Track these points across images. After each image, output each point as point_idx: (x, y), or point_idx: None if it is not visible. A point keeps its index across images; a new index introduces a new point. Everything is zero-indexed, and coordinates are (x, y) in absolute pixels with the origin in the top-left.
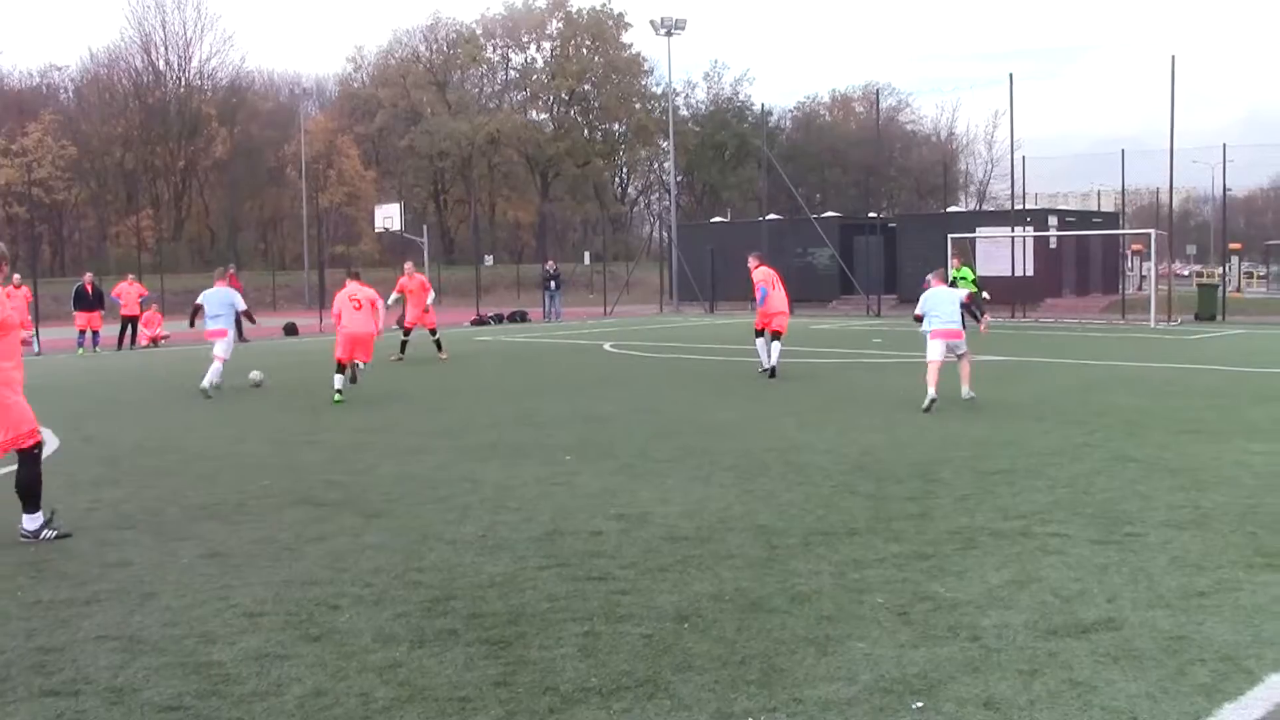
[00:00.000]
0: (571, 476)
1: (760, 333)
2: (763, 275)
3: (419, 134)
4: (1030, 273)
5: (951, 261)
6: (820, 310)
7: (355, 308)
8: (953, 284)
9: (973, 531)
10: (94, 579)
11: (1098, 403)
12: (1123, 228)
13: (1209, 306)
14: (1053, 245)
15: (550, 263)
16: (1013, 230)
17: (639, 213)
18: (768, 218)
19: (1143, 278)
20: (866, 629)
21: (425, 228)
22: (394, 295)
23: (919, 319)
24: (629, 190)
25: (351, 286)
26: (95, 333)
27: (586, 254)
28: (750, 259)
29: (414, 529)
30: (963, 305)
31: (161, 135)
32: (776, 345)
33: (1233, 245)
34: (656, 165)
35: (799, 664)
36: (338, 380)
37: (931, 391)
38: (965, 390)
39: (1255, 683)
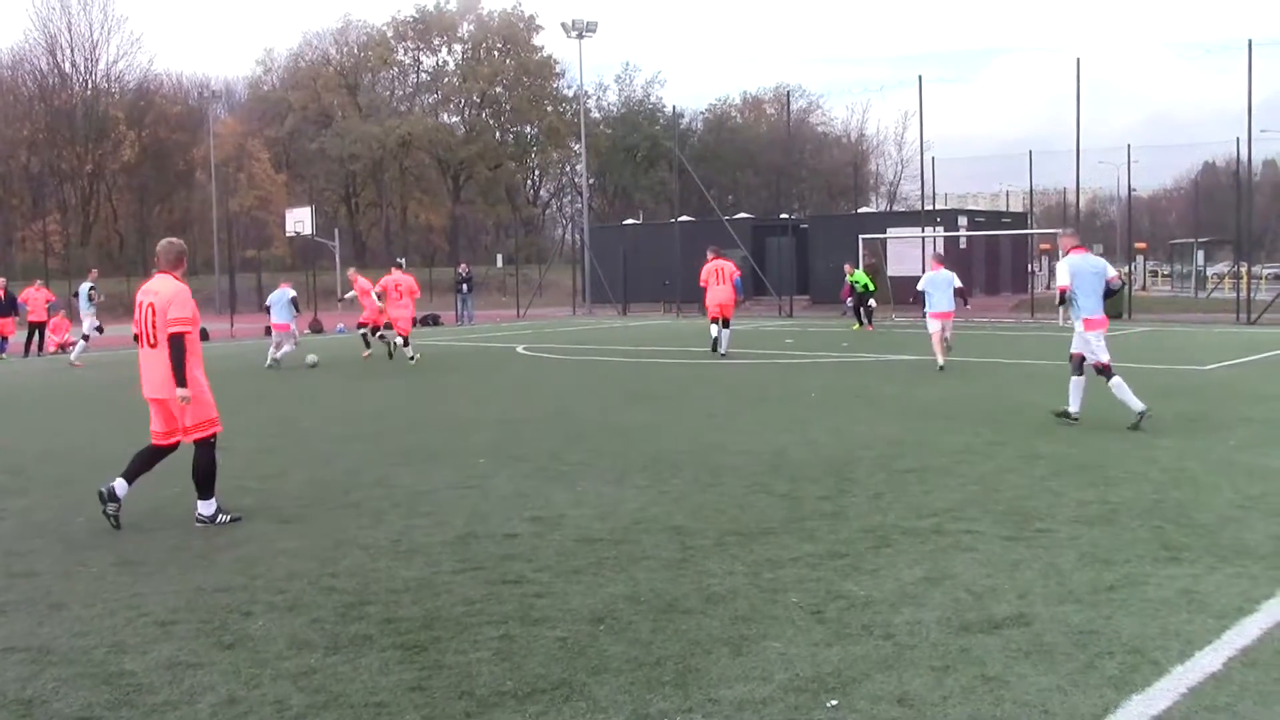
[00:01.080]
0: (485, 480)
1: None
2: (705, 271)
3: (330, 137)
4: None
5: (846, 267)
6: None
7: (397, 297)
8: (853, 288)
9: (886, 530)
10: (0, 590)
11: (1008, 401)
12: (1031, 228)
13: (1116, 305)
14: (963, 245)
15: (463, 266)
16: (923, 230)
17: (551, 215)
18: (680, 219)
19: (1051, 277)
20: (781, 629)
21: (337, 231)
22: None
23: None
24: (541, 193)
25: (396, 275)
26: (4, 339)
27: (499, 257)
28: (708, 252)
29: (327, 534)
30: (856, 306)
31: (68, 139)
32: (727, 332)
33: (1138, 244)
34: (569, 168)
35: (714, 664)
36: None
37: (941, 359)
38: (941, 361)
39: (1162, 674)
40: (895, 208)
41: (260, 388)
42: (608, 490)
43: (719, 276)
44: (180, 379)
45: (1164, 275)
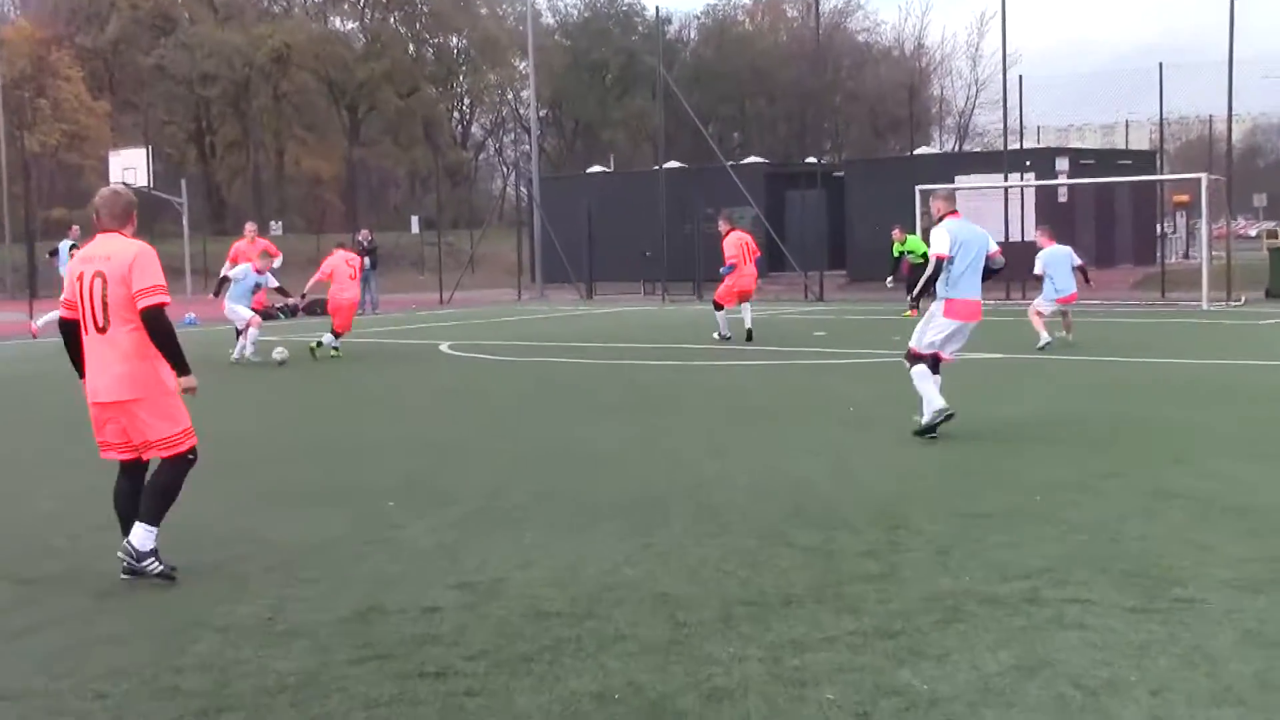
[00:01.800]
0: (395, 531)
1: (720, 306)
2: (734, 244)
3: (173, 49)
4: (1031, 236)
5: (895, 232)
6: None
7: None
8: (898, 259)
9: (957, 598)
10: None
11: (1129, 416)
12: (1161, 172)
13: None
14: (1062, 198)
15: (364, 233)
16: (1006, 179)
17: (488, 161)
18: (666, 166)
19: (1190, 241)
20: None
21: (184, 183)
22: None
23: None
24: (474, 130)
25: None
26: None
27: (415, 220)
28: (720, 222)
29: (169, 611)
30: (912, 285)
31: None
32: (747, 306)
33: None
34: (511, 95)
35: None
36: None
37: (1045, 335)
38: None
39: None
40: (967, 147)
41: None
42: (567, 543)
43: (748, 254)
44: (181, 364)
45: None
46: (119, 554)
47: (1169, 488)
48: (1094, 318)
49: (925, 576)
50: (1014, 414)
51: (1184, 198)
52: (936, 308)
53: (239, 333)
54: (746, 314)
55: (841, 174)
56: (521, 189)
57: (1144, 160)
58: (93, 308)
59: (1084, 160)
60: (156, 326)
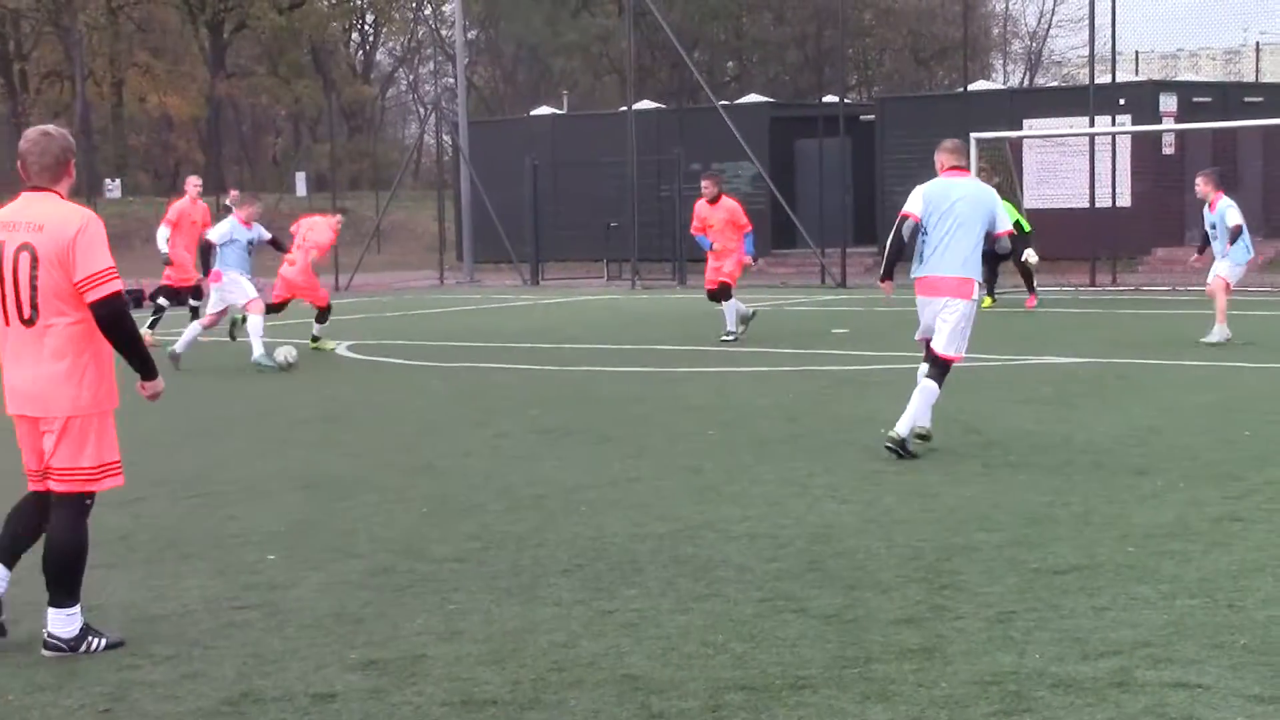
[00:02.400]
0: (277, 592)
1: (729, 293)
2: (726, 213)
3: None
4: (1126, 202)
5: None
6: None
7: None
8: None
9: (1022, 680)
10: None
11: (1254, 439)
12: None
13: None
14: (1168, 148)
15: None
16: (1092, 123)
17: (399, 99)
18: (637, 106)
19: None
20: None
21: None
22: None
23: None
24: (379, 58)
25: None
26: None
27: (300, 177)
28: (704, 180)
29: None
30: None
31: None
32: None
33: None
34: (430, 9)
35: None
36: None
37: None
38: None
39: None
40: (1039, 81)
41: None
42: (506, 609)
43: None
44: (147, 367)
45: None
46: (43, 650)
47: None
48: (1205, 308)
49: (980, 652)
50: (1094, 437)
51: None
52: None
53: (195, 313)
54: (725, 308)
55: (872, 117)
56: (445, 137)
57: (1276, 97)
58: (16, 291)
59: (1198, 98)
60: (113, 319)
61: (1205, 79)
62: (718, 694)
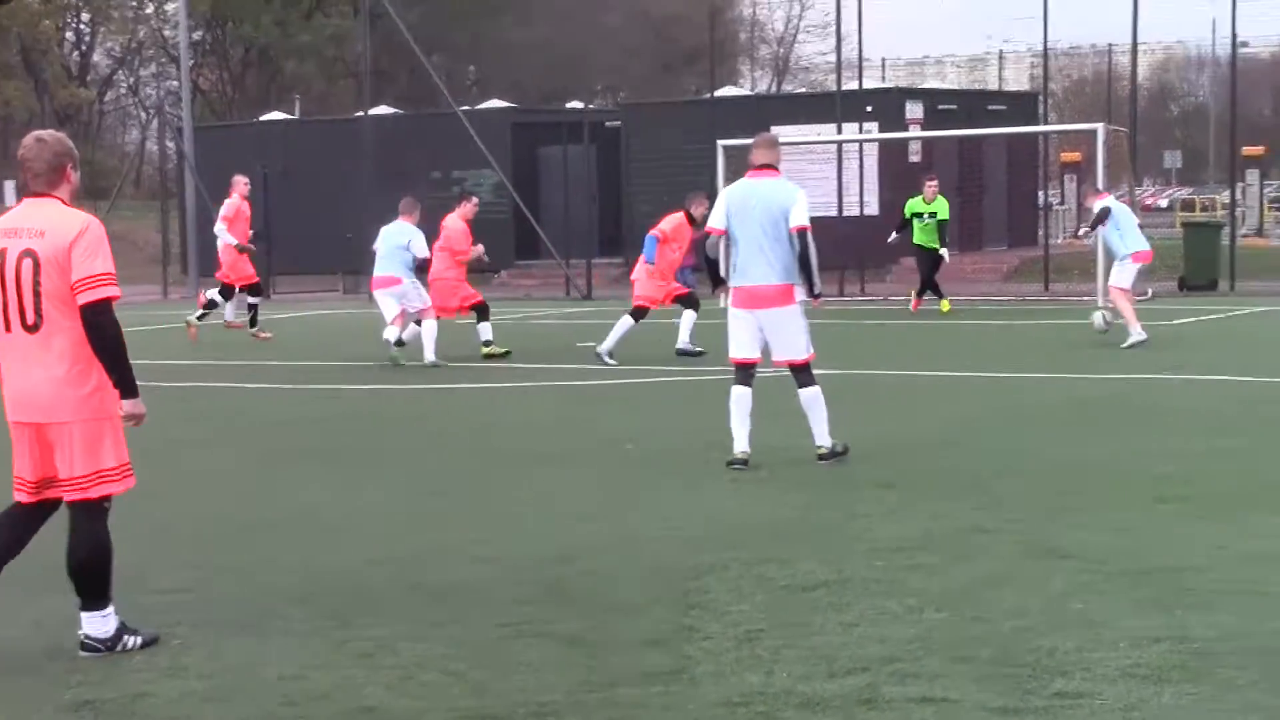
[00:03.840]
0: None
1: (640, 314)
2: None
3: None
4: (874, 210)
5: (929, 187)
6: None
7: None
8: (905, 224)
9: (770, 700)
10: None
11: (998, 452)
12: (1045, 121)
13: (1204, 265)
14: (915, 157)
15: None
16: (840, 130)
17: (120, 102)
18: (374, 112)
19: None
20: None
21: None
22: None
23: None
24: (96, 59)
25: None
26: None
27: (9, 186)
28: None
29: None
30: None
31: None
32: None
33: (1248, 150)
34: (152, 8)
35: None
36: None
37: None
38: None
39: None
40: (787, 87)
41: None
42: (233, 642)
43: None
44: (127, 383)
45: None
46: (80, 652)
47: (1050, 545)
48: (956, 319)
49: (728, 672)
50: (848, 450)
51: (1074, 156)
52: (726, 301)
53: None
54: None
55: (618, 124)
56: (168, 143)
57: (1023, 105)
58: (19, 297)
59: (943, 105)
60: (100, 327)
61: (950, 86)
62: None
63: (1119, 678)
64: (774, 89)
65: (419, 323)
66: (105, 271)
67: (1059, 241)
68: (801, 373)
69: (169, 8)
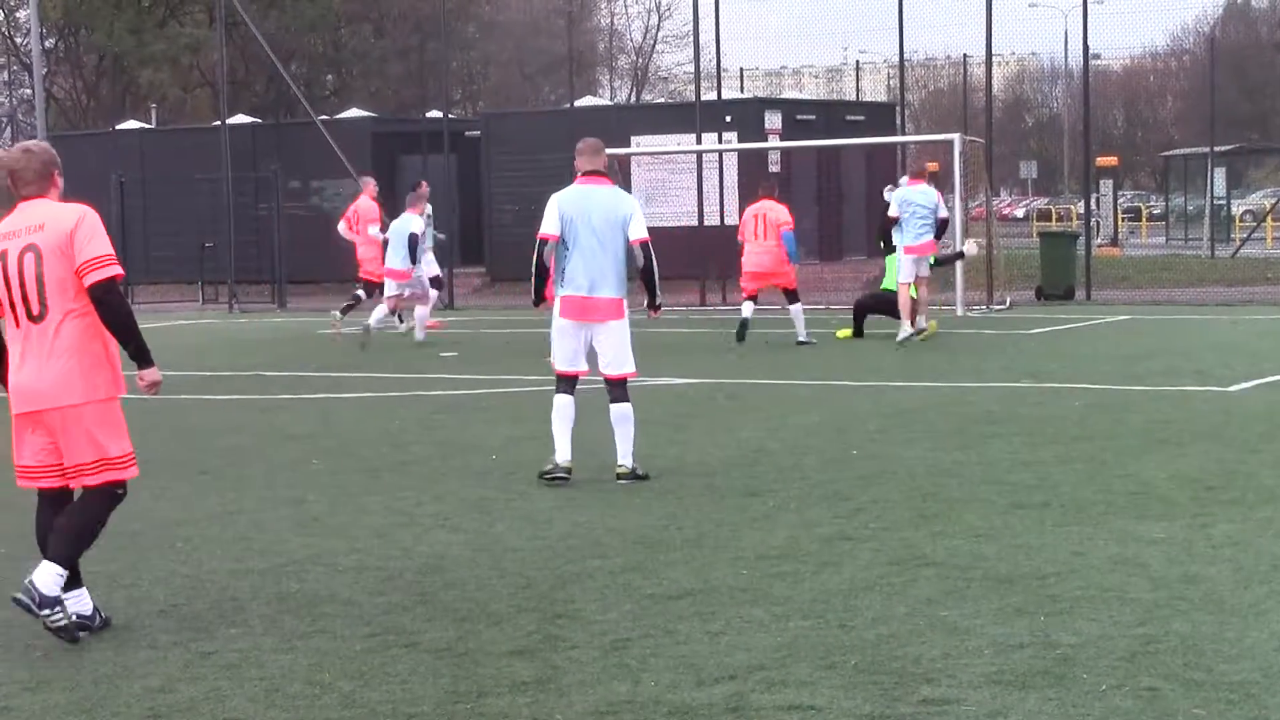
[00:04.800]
0: None
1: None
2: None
3: None
4: (735, 219)
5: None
6: (333, 299)
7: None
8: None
9: (638, 709)
10: None
11: (860, 458)
12: (903, 131)
13: (1060, 274)
14: (774, 167)
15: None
16: (699, 140)
17: None
18: (231, 121)
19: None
20: None
21: None
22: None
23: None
24: None
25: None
26: None
27: None
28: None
29: None
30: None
31: None
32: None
33: (1102, 159)
34: (2, 15)
35: None
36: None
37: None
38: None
39: None
40: (646, 97)
41: None
42: (97, 654)
43: (762, 226)
44: (143, 353)
45: (1152, 216)
46: (16, 594)
47: (913, 552)
48: (811, 328)
49: (595, 681)
50: (709, 458)
51: (932, 166)
52: (554, 310)
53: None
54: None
55: (477, 133)
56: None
57: (881, 115)
58: (23, 290)
59: (802, 115)
60: (110, 303)
61: (809, 97)
62: None
63: (984, 684)
64: (633, 99)
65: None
66: (107, 253)
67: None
68: (619, 387)
69: (20, 14)
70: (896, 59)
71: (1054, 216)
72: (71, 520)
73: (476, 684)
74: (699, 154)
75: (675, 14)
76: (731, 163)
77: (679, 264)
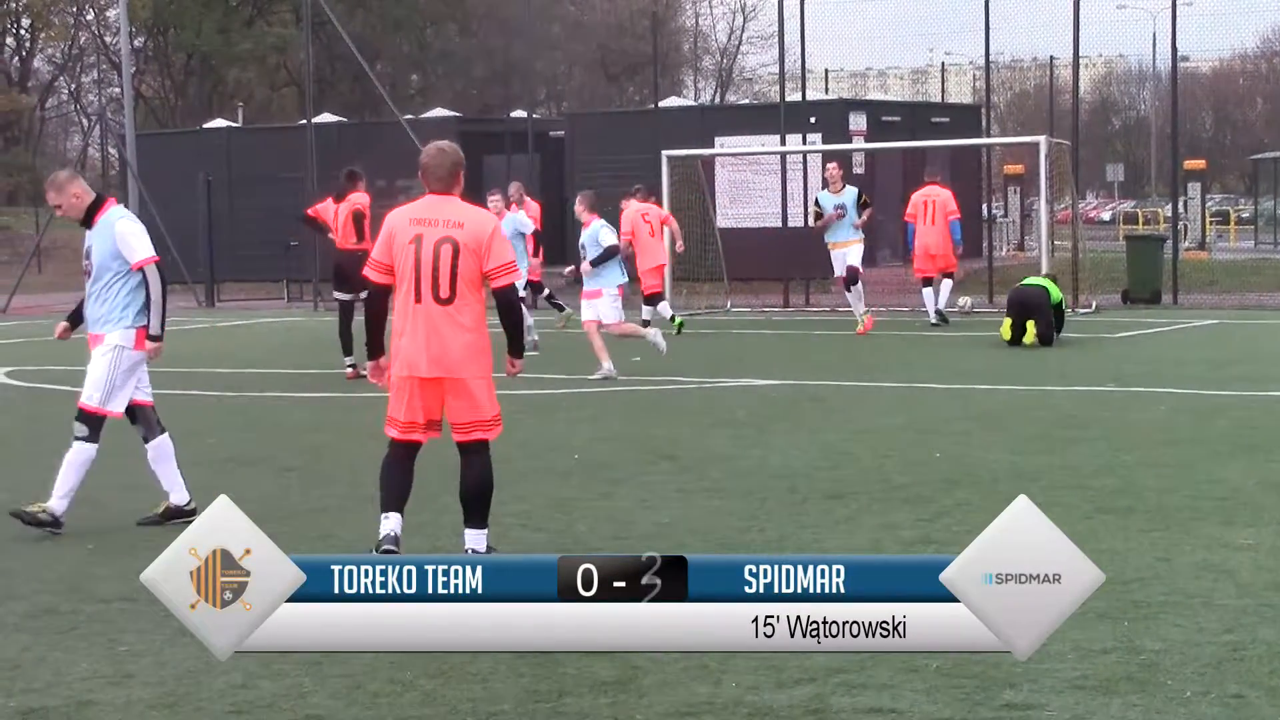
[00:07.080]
0: None
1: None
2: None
3: None
4: (813, 220)
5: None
6: None
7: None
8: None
9: (720, 710)
10: None
11: (943, 461)
12: (988, 133)
13: (1147, 278)
14: (859, 169)
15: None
16: (783, 141)
17: (61, 109)
18: (317, 120)
19: (1026, 227)
20: None
21: None
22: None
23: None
24: (37, 65)
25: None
26: None
27: None
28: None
29: None
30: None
31: None
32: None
33: (1190, 162)
34: (92, 14)
35: None
36: None
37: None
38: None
39: None
40: (730, 98)
41: None
42: (180, 650)
43: (931, 210)
44: (520, 346)
45: (1241, 220)
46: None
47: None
48: (894, 330)
49: (676, 682)
50: (792, 460)
51: (1017, 168)
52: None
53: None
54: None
55: (562, 133)
56: (110, 150)
57: (966, 117)
58: (435, 276)
59: (887, 116)
60: (511, 303)
61: (894, 98)
62: None
63: (1066, 689)
64: (718, 100)
65: None
66: (511, 260)
67: (1003, 253)
68: None
69: (110, 14)
70: (983, 60)
71: (1140, 220)
72: (472, 487)
73: (557, 684)
74: (783, 155)
75: (760, 15)
76: (816, 164)
77: (763, 265)
